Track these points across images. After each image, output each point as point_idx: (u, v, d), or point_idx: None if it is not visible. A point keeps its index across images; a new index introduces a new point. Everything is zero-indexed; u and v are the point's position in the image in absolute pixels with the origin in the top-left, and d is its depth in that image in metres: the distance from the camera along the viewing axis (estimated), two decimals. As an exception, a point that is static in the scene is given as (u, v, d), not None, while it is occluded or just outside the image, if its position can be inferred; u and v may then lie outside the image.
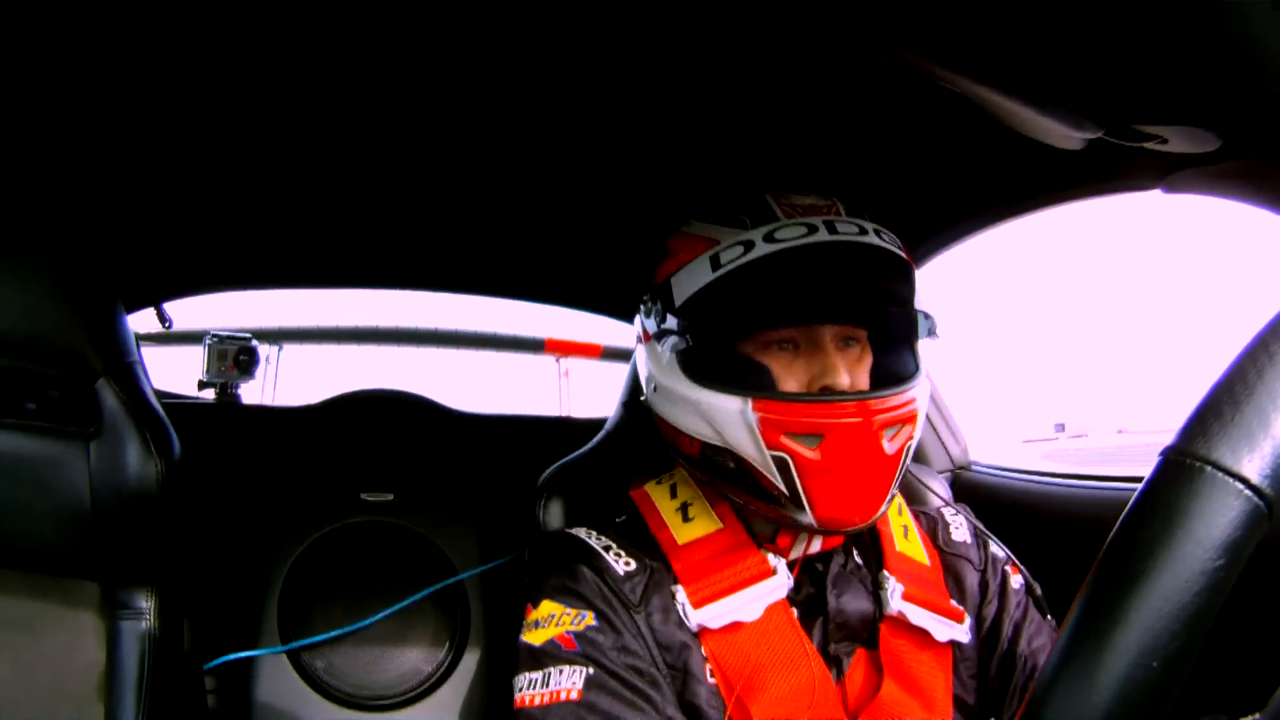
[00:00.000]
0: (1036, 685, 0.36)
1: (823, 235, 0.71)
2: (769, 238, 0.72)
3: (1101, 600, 0.35)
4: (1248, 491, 0.34)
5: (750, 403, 0.70)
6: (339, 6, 0.77)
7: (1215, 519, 0.34)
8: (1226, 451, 0.35)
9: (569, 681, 0.69)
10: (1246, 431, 0.35)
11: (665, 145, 1.06)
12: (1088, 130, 0.67)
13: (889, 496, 0.72)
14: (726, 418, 0.71)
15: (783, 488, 0.70)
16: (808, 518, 0.70)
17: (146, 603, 0.89)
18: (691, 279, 0.75)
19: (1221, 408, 0.36)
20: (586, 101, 0.95)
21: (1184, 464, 0.35)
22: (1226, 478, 0.34)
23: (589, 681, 0.69)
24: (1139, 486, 0.37)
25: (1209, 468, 0.35)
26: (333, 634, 1.24)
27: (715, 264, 0.73)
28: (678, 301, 0.76)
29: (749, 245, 0.72)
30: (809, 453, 0.69)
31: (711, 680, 0.72)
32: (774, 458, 0.69)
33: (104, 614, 0.88)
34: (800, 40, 0.79)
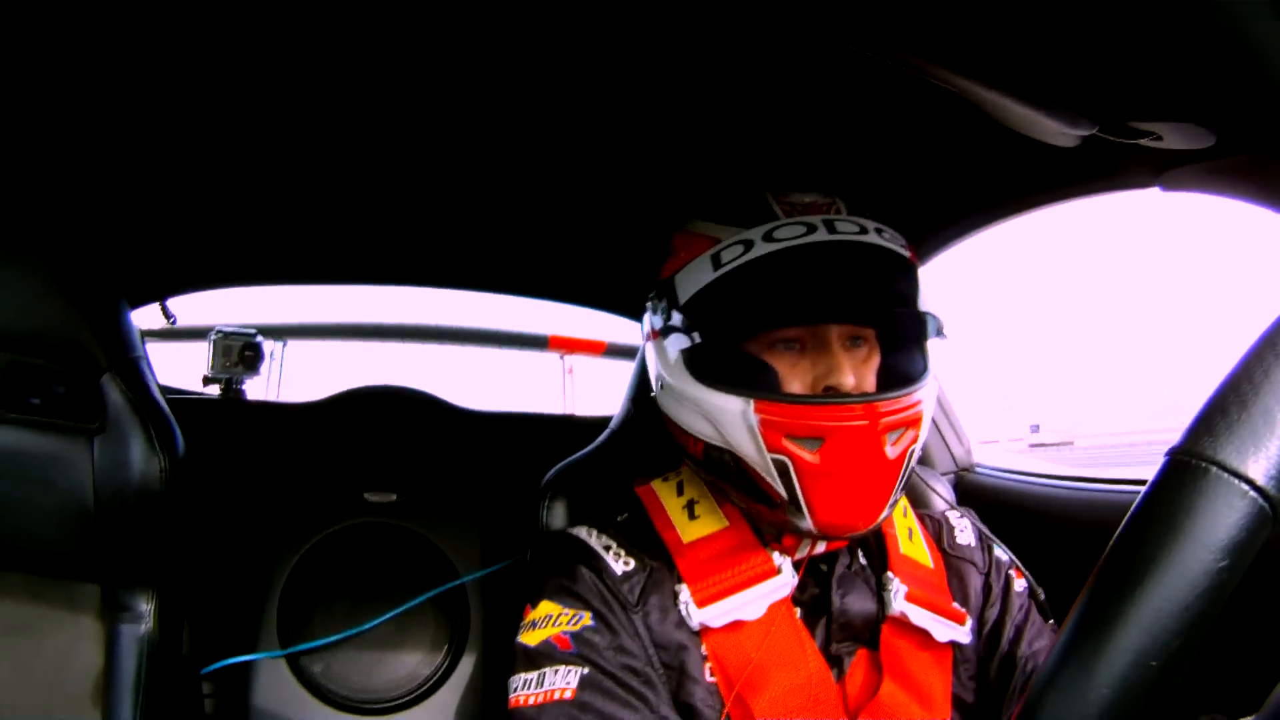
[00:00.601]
0: (1036, 680, 0.36)
1: (821, 235, 0.71)
2: (768, 237, 0.72)
3: (1104, 599, 0.35)
4: (1253, 493, 0.34)
5: (752, 404, 0.69)
6: (342, 4, 0.77)
7: (1220, 520, 0.34)
8: (1233, 452, 0.34)
9: (564, 681, 0.69)
10: (1253, 432, 0.34)
11: (670, 142, 1.05)
12: (1083, 127, 0.66)
13: (890, 502, 0.71)
14: (728, 418, 0.71)
15: (782, 492, 0.69)
16: (807, 523, 0.70)
17: (146, 605, 0.89)
18: (694, 277, 0.75)
19: (1228, 407, 0.35)
20: (592, 97, 0.95)
21: (1189, 464, 0.35)
22: (1232, 479, 0.34)
23: (584, 681, 0.68)
24: (1143, 489, 0.37)
25: (1214, 468, 0.34)
26: (331, 639, 1.23)
27: (716, 263, 0.73)
28: (681, 300, 0.76)
29: (748, 244, 0.72)
30: (809, 456, 0.68)
31: (710, 679, 0.72)
32: (774, 461, 0.69)
33: (104, 617, 0.88)
34: (801, 40, 0.79)
